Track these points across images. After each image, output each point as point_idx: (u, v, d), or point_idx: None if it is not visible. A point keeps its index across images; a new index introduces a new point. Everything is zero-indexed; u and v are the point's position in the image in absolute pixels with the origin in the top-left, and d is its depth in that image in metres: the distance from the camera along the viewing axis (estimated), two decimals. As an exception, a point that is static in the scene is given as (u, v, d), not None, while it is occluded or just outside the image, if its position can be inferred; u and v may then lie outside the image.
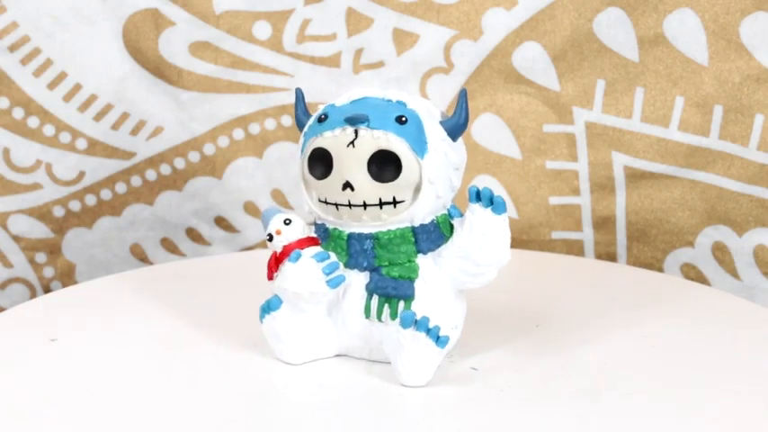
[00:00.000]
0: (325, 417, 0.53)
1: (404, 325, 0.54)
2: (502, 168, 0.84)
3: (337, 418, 0.53)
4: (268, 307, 0.58)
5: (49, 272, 0.87)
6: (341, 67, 0.83)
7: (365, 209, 0.56)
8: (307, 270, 0.57)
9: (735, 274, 0.80)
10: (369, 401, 0.55)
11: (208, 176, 0.86)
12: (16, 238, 0.85)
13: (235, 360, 0.60)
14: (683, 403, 0.54)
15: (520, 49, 0.81)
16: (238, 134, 0.85)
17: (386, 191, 0.55)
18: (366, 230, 0.57)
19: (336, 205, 0.56)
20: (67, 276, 0.87)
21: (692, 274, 0.82)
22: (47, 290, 0.87)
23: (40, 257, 0.86)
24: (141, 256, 0.88)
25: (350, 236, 0.57)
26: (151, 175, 0.86)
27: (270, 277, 0.58)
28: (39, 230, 0.86)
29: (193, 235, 0.87)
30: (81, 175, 0.85)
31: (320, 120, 0.56)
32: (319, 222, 0.58)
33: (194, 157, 0.85)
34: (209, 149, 0.85)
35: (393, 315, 0.56)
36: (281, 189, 0.86)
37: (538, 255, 0.81)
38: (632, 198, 0.82)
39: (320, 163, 0.56)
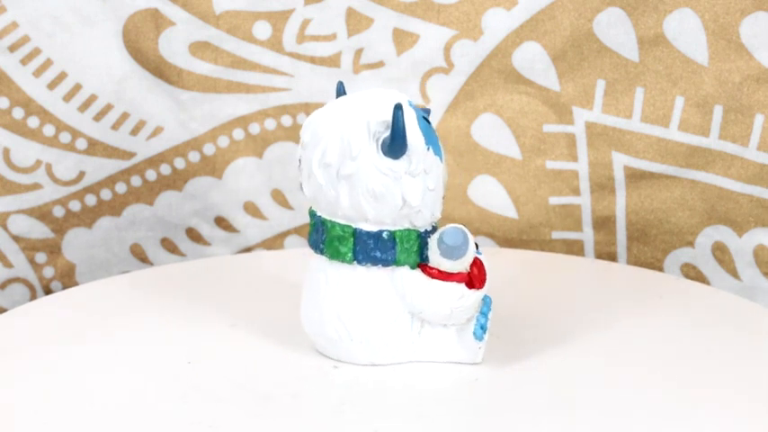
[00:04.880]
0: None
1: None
2: (502, 168, 0.84)
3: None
4: (487, 313, 0.58)
5: (49, 272, 0.87)
6: (341, 67, 0.83)
7: None
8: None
9: (735, 274, 0.80)
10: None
11: (208, 176, 0.86)
12: (16, 239, 0.85)
13: (235, 360, 0.60)
14: (683, 403, 0.54)
15: (520, 49, 0.81)
16: (238, 134, 0.85)
17: None
18: None
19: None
20: (67, 276, 0.87)
21: (692, 274, 0.82)
22: (47, 290, 0.87)
23: (40, 257, 0.86)
24: (141, 256, 0.88)
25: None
26: (151, 175, 0.86)
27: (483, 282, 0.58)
28: (39, 230, 0.85)
29: (193, 235, 0.87)
30: (81, 175, 0.85)
31: (428, 122, 0.58)
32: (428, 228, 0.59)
33: (194, 157, 0.85)
34: (209, 149, 0.85)
35: None
36: (281, 189, 0.86)
37: (538, 255, 0.82)
38: (632, 198, 0.82)
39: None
